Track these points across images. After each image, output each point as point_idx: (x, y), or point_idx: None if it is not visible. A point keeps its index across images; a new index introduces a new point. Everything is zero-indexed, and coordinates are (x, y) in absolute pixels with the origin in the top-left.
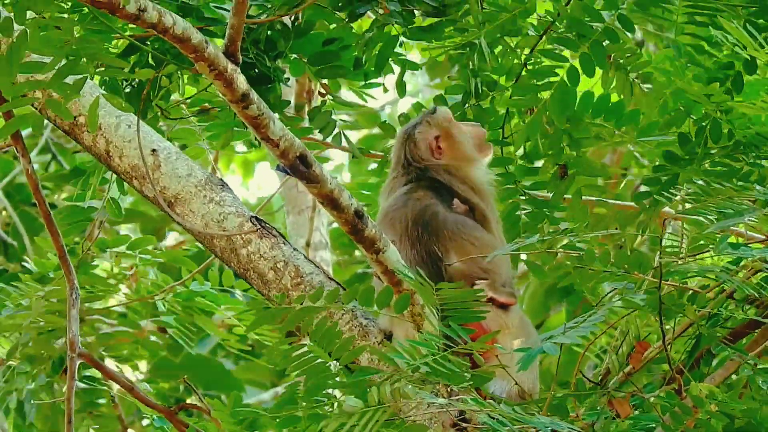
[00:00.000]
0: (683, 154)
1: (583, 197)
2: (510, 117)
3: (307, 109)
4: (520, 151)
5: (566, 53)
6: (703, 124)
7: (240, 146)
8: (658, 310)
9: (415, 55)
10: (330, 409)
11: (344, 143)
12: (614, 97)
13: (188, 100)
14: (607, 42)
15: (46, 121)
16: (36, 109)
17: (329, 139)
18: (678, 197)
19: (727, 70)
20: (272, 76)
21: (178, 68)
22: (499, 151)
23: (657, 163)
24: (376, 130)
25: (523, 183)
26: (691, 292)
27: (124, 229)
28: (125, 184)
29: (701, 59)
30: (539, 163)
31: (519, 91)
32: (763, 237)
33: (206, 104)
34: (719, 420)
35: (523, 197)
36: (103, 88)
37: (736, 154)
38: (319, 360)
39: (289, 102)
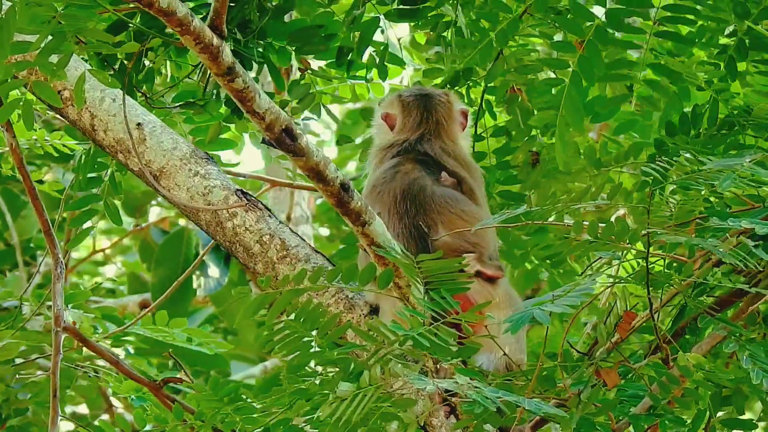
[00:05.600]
0: (671, 142)
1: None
2: (483, 112)
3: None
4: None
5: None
6: (701, 105)
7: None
8: (645, 281)
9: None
10: (314, 383)
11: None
12: (593, 91)
13: (171, 87)
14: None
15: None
16: (26, 89)
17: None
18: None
19: (721, 54)
20: (249, 55)
21: (164, 42)
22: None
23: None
24: (359, 104)
25: (495, 180)
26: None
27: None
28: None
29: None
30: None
31: (494, 76)
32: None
33: (191, 99)
34: (707, 389)
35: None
36: (89, 62)
37: (724, 131)
38: (305, 339)
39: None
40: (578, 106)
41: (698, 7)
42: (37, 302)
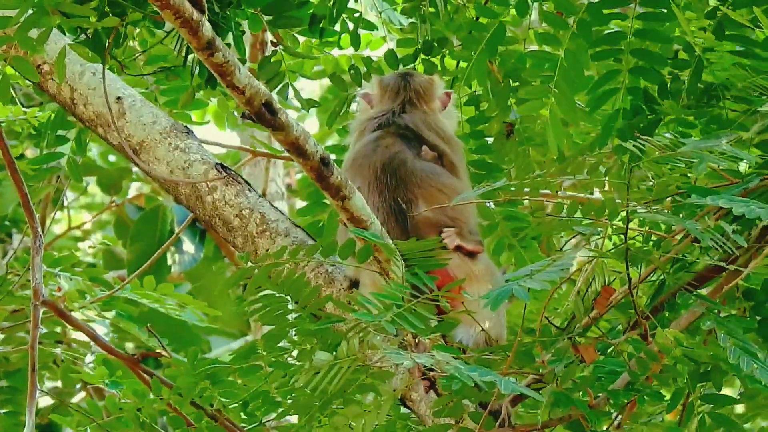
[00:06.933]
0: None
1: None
2: (458, 81)
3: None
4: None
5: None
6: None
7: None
8: (624, 256)
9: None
10: (292, 358)
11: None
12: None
13: (144, 53)
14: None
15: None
16: (5, 62)
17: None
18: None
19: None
20: (223, 24)
21: (144, 16)
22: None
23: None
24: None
25: (468, 148)
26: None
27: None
28: (86, 138)
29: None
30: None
31: (468, 47)
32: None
33: (163, 64)
34: (685, 365)
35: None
36: (61, 26)
37: (706, 99)
38: (280, 310)
39: (245, 60)
40: (570, 97)
41: None
42: (22, 269)
